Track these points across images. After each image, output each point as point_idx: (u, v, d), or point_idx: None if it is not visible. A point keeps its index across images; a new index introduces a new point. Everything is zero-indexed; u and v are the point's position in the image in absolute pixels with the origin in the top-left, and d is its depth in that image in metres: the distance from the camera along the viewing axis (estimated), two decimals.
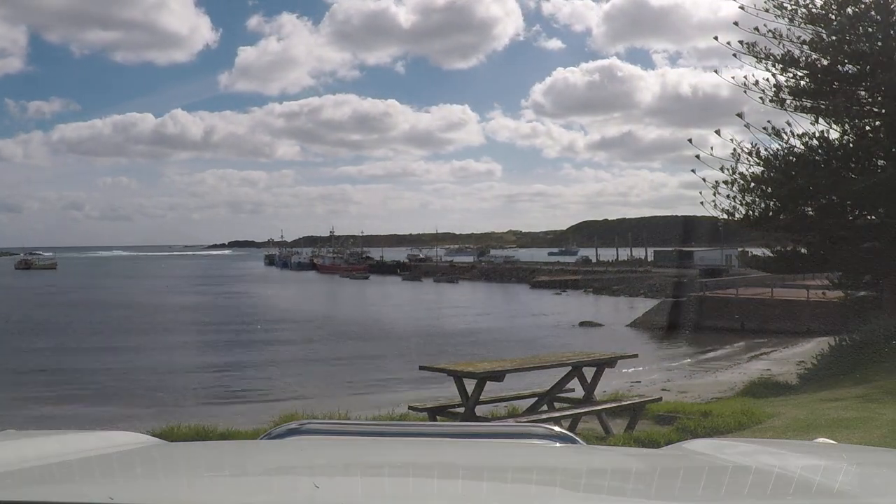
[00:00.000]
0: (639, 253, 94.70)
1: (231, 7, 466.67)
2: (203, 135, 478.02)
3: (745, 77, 16.23)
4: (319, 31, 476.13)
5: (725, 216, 16.86)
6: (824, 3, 15.76)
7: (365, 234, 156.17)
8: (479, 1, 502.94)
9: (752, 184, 16.33)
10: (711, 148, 16.86)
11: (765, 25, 15.94)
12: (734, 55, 16.17)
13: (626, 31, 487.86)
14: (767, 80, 16.18)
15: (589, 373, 9.45)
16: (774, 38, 15.96)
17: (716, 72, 17.74)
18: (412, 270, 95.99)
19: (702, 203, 16.74)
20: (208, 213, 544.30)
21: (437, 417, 8.74)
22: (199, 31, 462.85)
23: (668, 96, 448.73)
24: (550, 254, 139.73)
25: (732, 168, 16.40)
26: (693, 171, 16.36)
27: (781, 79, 16.20)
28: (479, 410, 8.78)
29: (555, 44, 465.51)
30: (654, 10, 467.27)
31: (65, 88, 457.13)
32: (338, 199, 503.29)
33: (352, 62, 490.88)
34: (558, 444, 2.15)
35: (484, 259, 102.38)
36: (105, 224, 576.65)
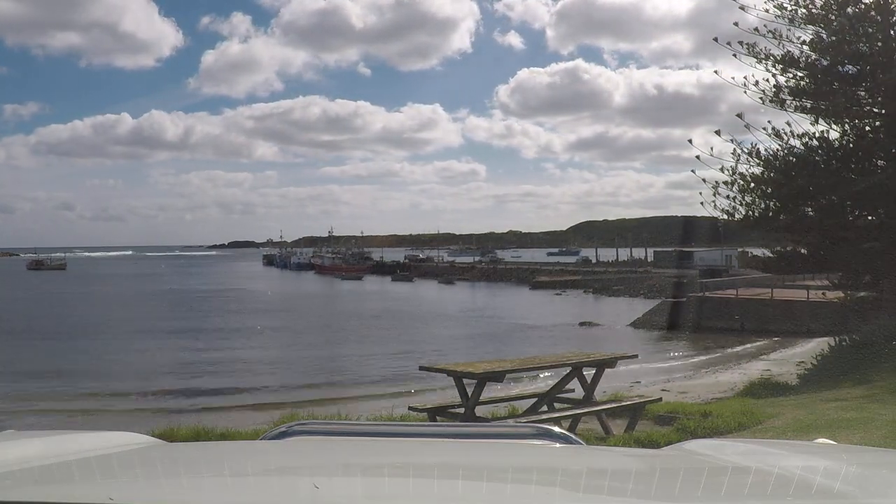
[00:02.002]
0: (639, 253, 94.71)
1: (194, 11, 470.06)
2: (182, 136, 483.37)
3: (745, 77, 16.24)
4: (274, 34, 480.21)
5: (725, 216, 16.86)
6: (824, 3, 15.76)
7: (364, 234, 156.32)
8: (432, 1, 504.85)
9: (752, 184, 16.33)
10: (711, 148, 16.86)
11: (765, 26, 15.95)
12: (734, 55, 16.18)
13: (583, 30, 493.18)
14: (767, 80, 16.19)
15: (589, 373, 9.46)
16: (774, 38, 15.97)
17: (716, 72, 17.70)
18: (411, 271, 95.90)
19: (701, 203, 16.74)
20: (201, 214, 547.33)
21: (437, 418, 8.73)
22: (166, 36, 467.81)
23: (637, 96, 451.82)
24: (550, 254, 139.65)
25: (732, 168, 16.40)
26: (693, 171, 16.38)
27: (781, 79, 16.20)
28: (479, 411, 8.78)
29: (516, 44, 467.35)
30: (609, 9, 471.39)
31: (40, 92, 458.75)
32: (327, 199, 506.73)
33: (317, 65, 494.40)
34: (558, 445, 2.14)
35: (485, 259, 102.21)
36: (99, 224, 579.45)
